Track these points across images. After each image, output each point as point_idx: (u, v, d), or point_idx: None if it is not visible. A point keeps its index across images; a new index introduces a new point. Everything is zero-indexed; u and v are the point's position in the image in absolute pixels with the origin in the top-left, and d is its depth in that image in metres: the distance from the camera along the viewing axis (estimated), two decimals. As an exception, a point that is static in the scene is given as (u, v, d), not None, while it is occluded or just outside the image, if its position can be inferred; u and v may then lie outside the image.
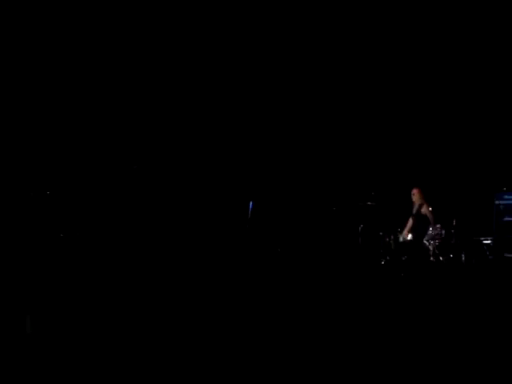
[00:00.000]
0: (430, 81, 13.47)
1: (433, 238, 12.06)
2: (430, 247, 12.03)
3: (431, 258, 12.15)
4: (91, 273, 8.32)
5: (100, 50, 12.63)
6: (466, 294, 7.83)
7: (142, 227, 11.50)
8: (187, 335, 4.57)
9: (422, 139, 13.70)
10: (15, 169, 11.55)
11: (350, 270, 10.78)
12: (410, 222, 11.94)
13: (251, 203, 12.12)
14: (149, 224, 11.65)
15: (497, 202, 12.28)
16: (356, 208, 12.92)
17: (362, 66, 13.47)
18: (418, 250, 11.65)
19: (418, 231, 11.83)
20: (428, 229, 11.80)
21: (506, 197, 12.22)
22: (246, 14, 12.65)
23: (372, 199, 12.70)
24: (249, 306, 6.12)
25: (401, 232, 12.14)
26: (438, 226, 12.09)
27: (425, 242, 12.05)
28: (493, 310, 6.17)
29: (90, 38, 12.49)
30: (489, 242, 12.43)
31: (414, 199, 11.94)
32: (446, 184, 13.01)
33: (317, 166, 13.74)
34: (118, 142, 12.77)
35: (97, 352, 4.10)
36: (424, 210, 11.70)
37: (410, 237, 11.91)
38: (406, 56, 13.22)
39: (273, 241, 12.09)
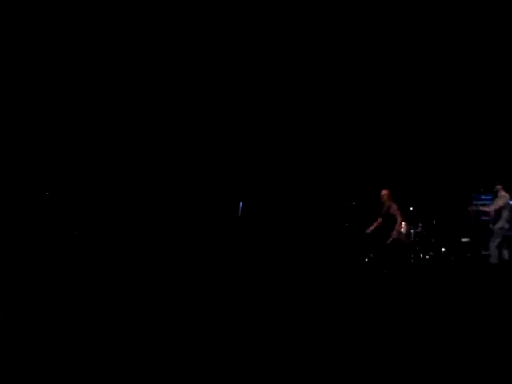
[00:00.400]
0: (411, 86, 13.77)
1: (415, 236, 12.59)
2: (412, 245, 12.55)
3: (412, 256, 12.64)
4: (80, 271, 8.27)
5: (92, 58, 12.81)
6: (444, 290, 8.01)
7: (136, 226, 11.66)
8: (175, 335, 4.54)
9: (405, 143, 14.00)
10: (15, 170, 11.62)
11: (336, 266, 11.08)
12: (378, 221, 12.39)
13: (241, 203, 12.40)
14: (142, 223, 11.82)
15: (474, 203, 12.69)
16: (340, 207, 13.28)
17: (337, 75, 13.76)
18: (391, 248, 12.14)
19: (388, 231, 12.32)
20: (396, 228, 12.29)
21: (483, 197, 12.63)
22: (242, 14, 12.88)
23: (356, 199, 13.09)
24: (239, 302, 6.07)
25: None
26: (420, 224, 12.62)
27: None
28: (472, 303, 6.30)
29: (77, 40, 12.66)
30: (467, 240, 12.90)
31: (382, 200, 12.33)
32: (427, 185, 13.32)
33: (303, 168, 13.99)
34: (113, 146, 12.92)
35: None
36: (392, 210, 12.21)
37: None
38: (381, 64, 13.54)
39: (262, 239, 12.35)
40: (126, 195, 12.27)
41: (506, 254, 11.52)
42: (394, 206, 12.24)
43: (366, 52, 13.37)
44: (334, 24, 12.87)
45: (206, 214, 12.90)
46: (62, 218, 11.15)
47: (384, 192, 12.27)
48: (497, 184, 11.63)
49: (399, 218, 12.23)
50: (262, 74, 13.68)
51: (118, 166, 12.61)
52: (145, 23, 12.63)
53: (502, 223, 11.59)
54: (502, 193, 11.50)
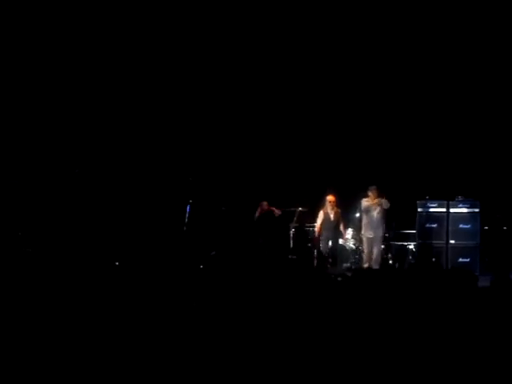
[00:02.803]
0: (352, 93, 13.95)
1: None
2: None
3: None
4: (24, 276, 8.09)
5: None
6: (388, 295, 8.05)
7: (81, 231, 11.42)
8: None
9: (351, 149, 14.14)
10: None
11: (283, 272, 11.02)
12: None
13: (188, 207, 12.26)
14: (87, 228, 11.59)
15: (419, 210, 12.85)
16: (287, 213, 13.28)
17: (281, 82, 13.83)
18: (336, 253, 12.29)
19: (338, 236, 12.45)
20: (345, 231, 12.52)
21: (429, 204, 12.81)
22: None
23: (303, 205, 13.11)
24: (184, 311, 5.95)
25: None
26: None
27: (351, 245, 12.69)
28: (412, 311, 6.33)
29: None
30: (412, 247, 13.08)
31: (332, 205, 12.36)
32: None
33: (251, 172, 13.98)
34: (59, 146, 12.65)
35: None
36: (339, 215, 12.37)
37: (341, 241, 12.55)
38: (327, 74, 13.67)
39: (209, 244, 12.23)
40: (72, 197, 12.04)
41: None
42: (339, 211, 12.38)
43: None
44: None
45: (151, 218, 12.72)
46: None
47: (333, 198, 12.31)
48: (377, 191, 11.82)
49: (344, 223, 12.43)
50: (205, 79, 13.62)
51: (66, 167, 12.36)
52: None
53: (384, 229, 11.91)
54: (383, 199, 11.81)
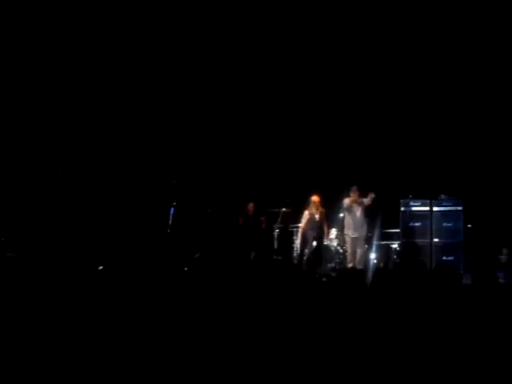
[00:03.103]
0: (337, 95, 14.00)
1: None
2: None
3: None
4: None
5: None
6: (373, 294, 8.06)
7: (64, 235, 11.34)
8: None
9: (334, 149, 14.19)
10: None
11: (268, 273, 11.01)
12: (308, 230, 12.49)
13: (172, 209, 12.22)
14: (70, 231, 11.51)
15: (403, 209, 12.90)
16: (271, 213, 13.29)
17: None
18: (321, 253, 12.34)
19: (322, 237, 12.49)
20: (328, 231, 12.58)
21: (412, 203, 12.86)
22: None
23: (287, 205, 13.14)
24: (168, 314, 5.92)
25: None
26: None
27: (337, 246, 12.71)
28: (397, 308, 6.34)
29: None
30: (396, 246, 13.13)
31: (316, 206, 12.36)
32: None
33: (235, 174, 13.97)
34: (42, 150, 12.56)
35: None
36: (323, 216, 12.40)
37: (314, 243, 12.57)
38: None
39: (194, 246, 12.20)
40: (56, 201, 11.95)
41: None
42: (324, 211, 12.40)
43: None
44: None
45: (134, 220, 12.66)
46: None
47: (318, 198, 12.32)
48: (359, 191, 11.88)
49: (327, 222, 12.46)
50: (188, 82, 13.61)
51: (49, 170, 12.28)
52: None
53: (366, 228, 12.00)
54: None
